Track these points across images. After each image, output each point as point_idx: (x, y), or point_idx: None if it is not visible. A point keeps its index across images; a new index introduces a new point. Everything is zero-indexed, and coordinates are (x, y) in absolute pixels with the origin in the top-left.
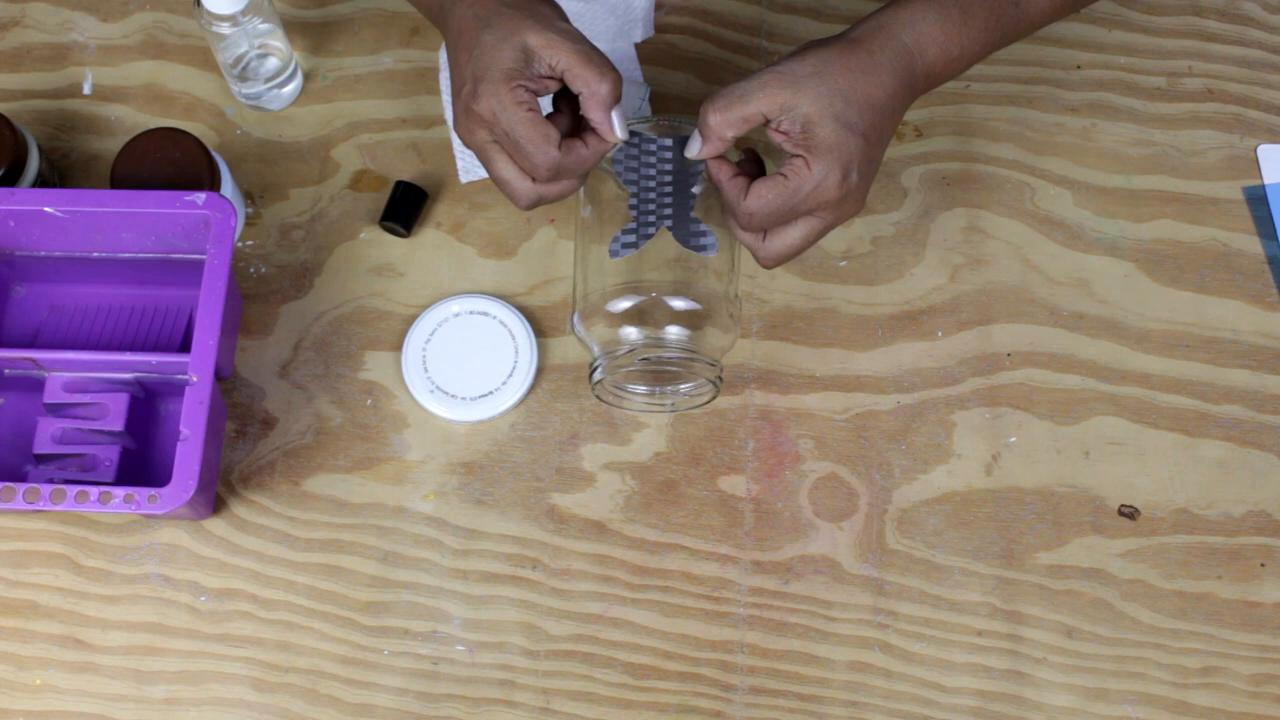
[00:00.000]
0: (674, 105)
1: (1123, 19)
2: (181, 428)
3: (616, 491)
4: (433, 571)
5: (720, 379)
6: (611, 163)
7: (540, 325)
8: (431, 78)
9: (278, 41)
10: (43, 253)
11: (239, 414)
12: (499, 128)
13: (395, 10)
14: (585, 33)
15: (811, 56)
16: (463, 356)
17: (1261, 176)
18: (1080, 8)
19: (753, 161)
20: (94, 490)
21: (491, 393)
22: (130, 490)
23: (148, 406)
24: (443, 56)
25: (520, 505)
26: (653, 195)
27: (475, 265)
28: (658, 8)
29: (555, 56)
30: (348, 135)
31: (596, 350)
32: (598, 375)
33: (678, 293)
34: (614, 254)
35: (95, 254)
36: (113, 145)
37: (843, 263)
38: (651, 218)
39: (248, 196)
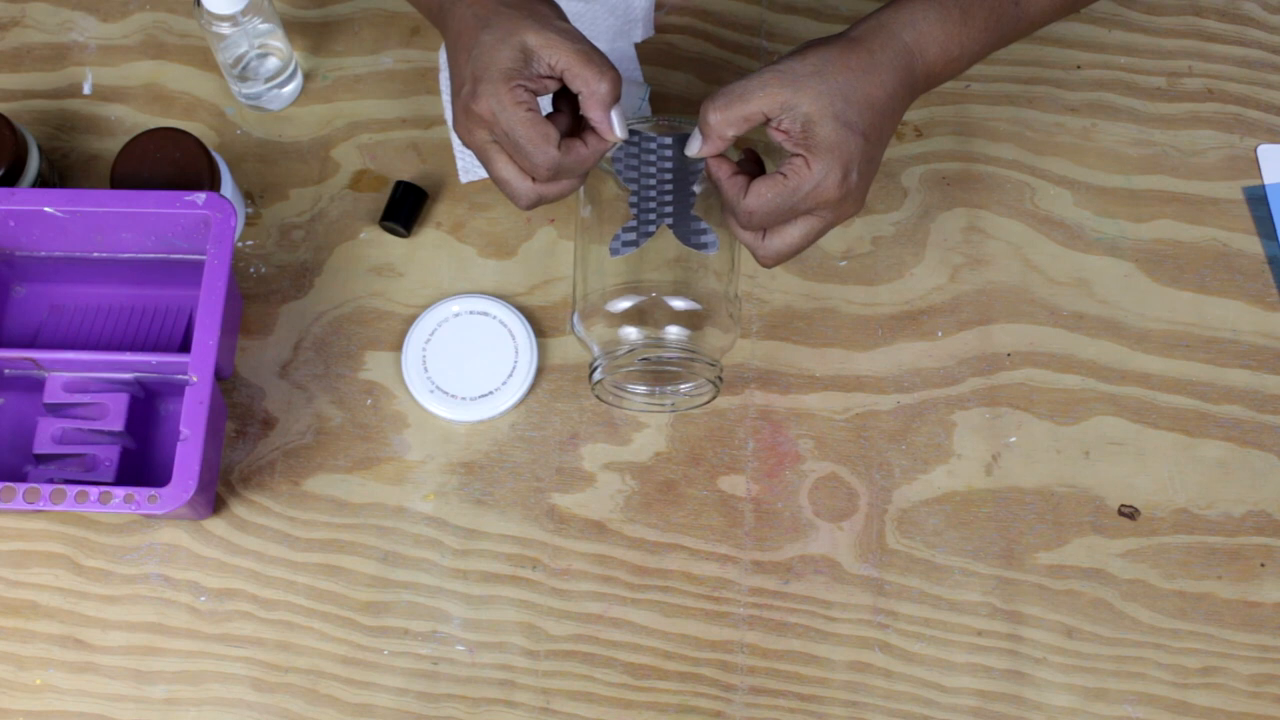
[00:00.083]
0: (674, 105)
1: (1123, 19)
2: (181, 428)
3: (616, 491)
4: (433, 571)
5: (720, 379)
6: (611, 162)
7: (540, 325)
8: (431, 78)
9: (278, 41)
10: (43, 253)
11: (239, 414)
12: (498, 128)
13: (395, 10)
14: (585, 33)
15: (812, 55)
16: (463, 356)
17: (1261, 176)
18: (1080, 8)
19: (752, 161)
20: (94, 490)
21: (491, 393)
22: (130, 490)
23: (148, 406)
24: (442, 56)
25: (520, 505)
26: (653, 194)
27: (475, 265)
28: (658, 8)
29: (554, 56)
30: (348, 135)
31: (596, 350)
32: (598, 375)
33: (678, 293)
34: (614, 252)
35: (95, 254)
36: (113, 145)
37: (843, 263)
38: (652, 216)
39: (248, 196)
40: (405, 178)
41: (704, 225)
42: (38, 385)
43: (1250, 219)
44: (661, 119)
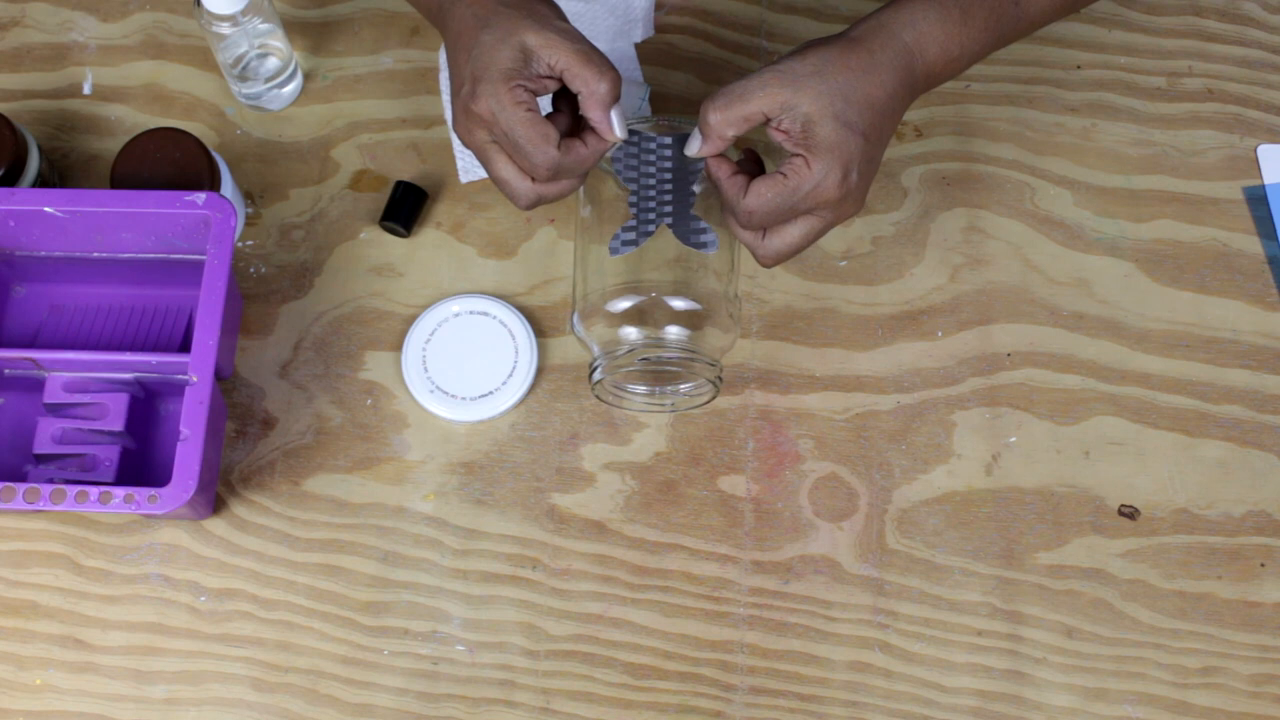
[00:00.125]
0: (674, 105)
1: (1123, 19)
2: (181, 428)
3: (616, 491)
4: (433, 571)
5: (720, 379)
6: (611, 162)
7: (540, 325)
8: (431, 78)
9: (278, 41)
10: (43, 253)
11: (239, 414)
12: (498, 128)
13: (395, 10)
14: (585, 33)
15: (812, 55)
16: (463, 356)
17: (1261, 176)
18: (1080, 8)
19: (752, 160)
20: (94, 490)
21: (491, 393)
22: (130, 490)
23: (148, 406)
24: (442, 56)
25: (520, 505)
26: (652, 194)
27: (475, 265)
28: (658, 8)
29: (554, 56)
30: (348, 135)
31: (596, 350)
32: (598, 375)
33: (677, 293)
34: (614, 251)
35: (95, 254)
36: (113, 145)
37: (843, 263)
38: (651, 215)
39: (248, 196)
40: (405, 178)
41: (703, 225)
42: (38, 385)
43: (1250, 219)
44: (661, 119)
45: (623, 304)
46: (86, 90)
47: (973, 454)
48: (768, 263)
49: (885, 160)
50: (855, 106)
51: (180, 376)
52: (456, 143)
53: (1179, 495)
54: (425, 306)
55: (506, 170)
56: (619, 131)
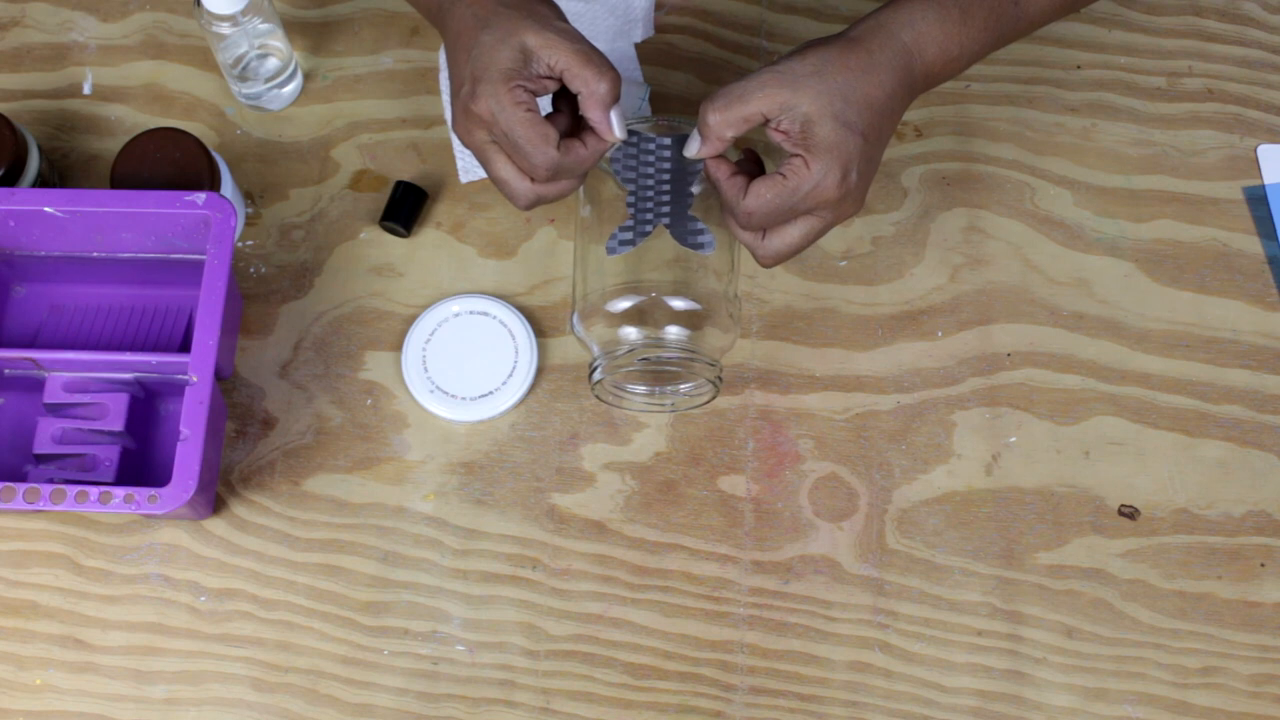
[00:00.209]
0: (674, 105)
1: (1123, 19)
2: (181, 428)
3: (616, 491)
4: (433, 571)
5: (720, 379)
6: (610, 162)
7: (540, 325)
8: (431, 78)
9: (278, 41)
10: (43, 253)
11: (239, 414)
12: (498, 128)
13: (395, 10)
14: (585, 33)
15: (811, 56)
16: (463, 356)
17: (1261, 176)
18: (1080, 7)
19: (752, 161)
20: (94, 490)
21: (491, 393)
22: (130, 490)
23: (148, 406)
24: (443, 56)
25: (520, 505)
26: (650, 194)
27: (475, 265)
28: (658, 8)
29: (554, 56)
30: (348, 135)
31: (596, 350)
32: (597, 375)
33: (677, 293)
34: (610, 251)
35: (95, 254)
36: (113, 145)
37: (843, 263)
38: (649, 216)
39: (248, 196)
40: (405, 178)
41: (701, 225)
42: (38, 385)
43: (1250, 219)
44: (661, 119)
45: (622, 304)
46: (86, 90)
47: (973, 454)
48: (768, 263)
49: (885, 160)
50: (854, 106)
51: (180, 376)
52: (456, 143)
53: (1179, 495)
54: (425, 306)
55: (506, 170)
56: (618, 132)
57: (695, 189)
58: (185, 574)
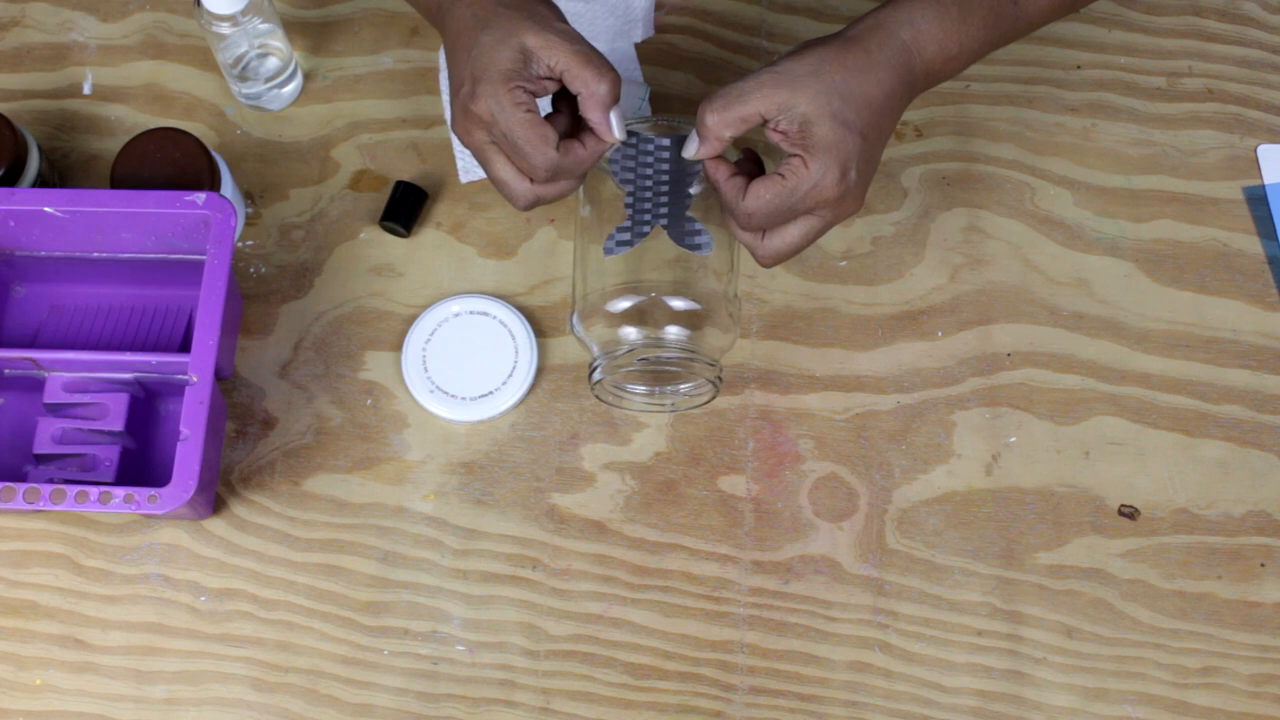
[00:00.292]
0: (674, 105)
1: (1123, 19)
2: (181, 428)
3: (616, 491)
4: (433, 571)
5: (720, 379)
6: (609, 162)
7: (540, 325)
8: (431, 78)
9: (278, 41)
10: (43, 253)
11: (239, 414)
12: (497, 129)
13: (395, 10)
14: (585, 33)
15: (809, 55)
16: (463, 356)
17: (1261, 176)
18: (1080, 7)
19: (751, 161)
20: (94, 490)
21: (491, 393)
22: (130, 490)
23: (148, 406)
24: (443, 56)
25: (520, 505)
26: (649, 194)
27: (475, 265)
28: (658, 8)
29: (554, 57)
30: (348, 135)
31: (596, 350)
32: (597, 375)
33: (677, 293)
34: (608, 252)
35: (95, 254)
36: (113, 145)
37: (843, 263)
38: (647, 216)
39: (248, 196)
40: (405, 178)
41: (699, 226)
42: (38, 385)
43: (1250, 219)
44: (661, 119)
45: (622, 304)
46: (86, 90)
47: (973, 454)
48: (767, 263)
49: (885, 160)
50: (852, 105)
51: (180, 376)
52: (456, 143)
53: (1179, 495)
54: (425, 306)
55: (505, 171)
56: (618, 133)
57: (694, 189)
58: (185, 574)
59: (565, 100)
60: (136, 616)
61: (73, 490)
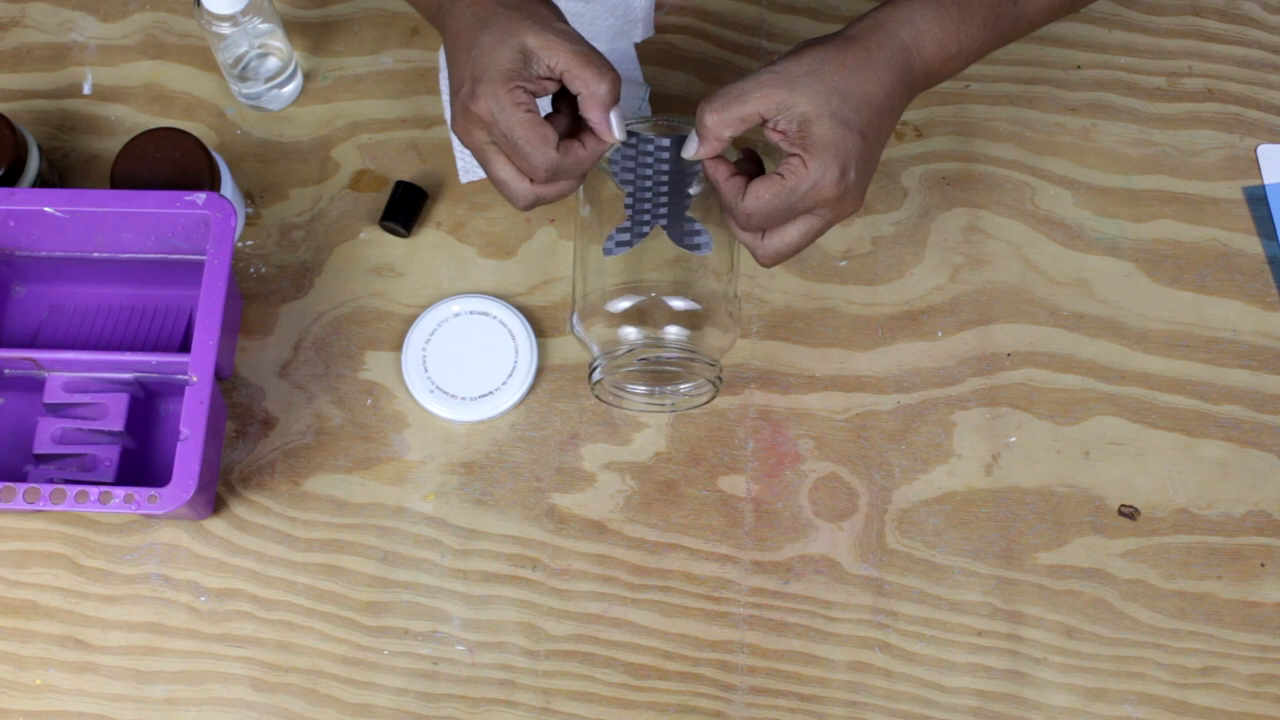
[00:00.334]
0: (674, 105)
1: (1123, 19)
2: (181, 428)
3: (616, 491)
4: (433, 571)
5: (720, 379)
6: (609, 163)
7: (540, 325)
8: (431, 78)
9: (278, 41)
10: (43, 253)
11: (239, 414)
12: (497, 129)
13: (395, 10)
14: (585, 33)
15: (807, 55)
16: (463, 356)
17: (1261, 176)
18: (1080, 7)
19: (751, 161)
20: (94, 490)
21: (491, 393)
22: (130, 490)
23: (148, 406)
24: (443, 57)
25: (520, 505)
26: (649, 195)
27: (475, 265)
28: (658, 8)
29: (554, 57)
30: (348, 135)
31: (596, 350)
32: (597, 375)
33: (677, 293)
34: (607, 252)
35: (95, 254)
36: (113, 145)
37: (843, 263)
38: (647, 217)
39: (248, 196)
40: (405, 178)
41: (698, 227)
42: (38, 385)
43: (1250, 219)
44: (660, 119)
45: (622, 304)
46: (86, 90)
47: (973, 454)
48: (767, 263)
49: (885, 160)
50: (851, 104)
51: (180, 376)
52: (456, 143)
53: (1179, 495)
54: (425, 306)
55: (505, 171)
56: (618, 133)
57: (694, 189)
58: (185, 574)
59: (565, 100)
60: (136, 616)
61: (73, 490)
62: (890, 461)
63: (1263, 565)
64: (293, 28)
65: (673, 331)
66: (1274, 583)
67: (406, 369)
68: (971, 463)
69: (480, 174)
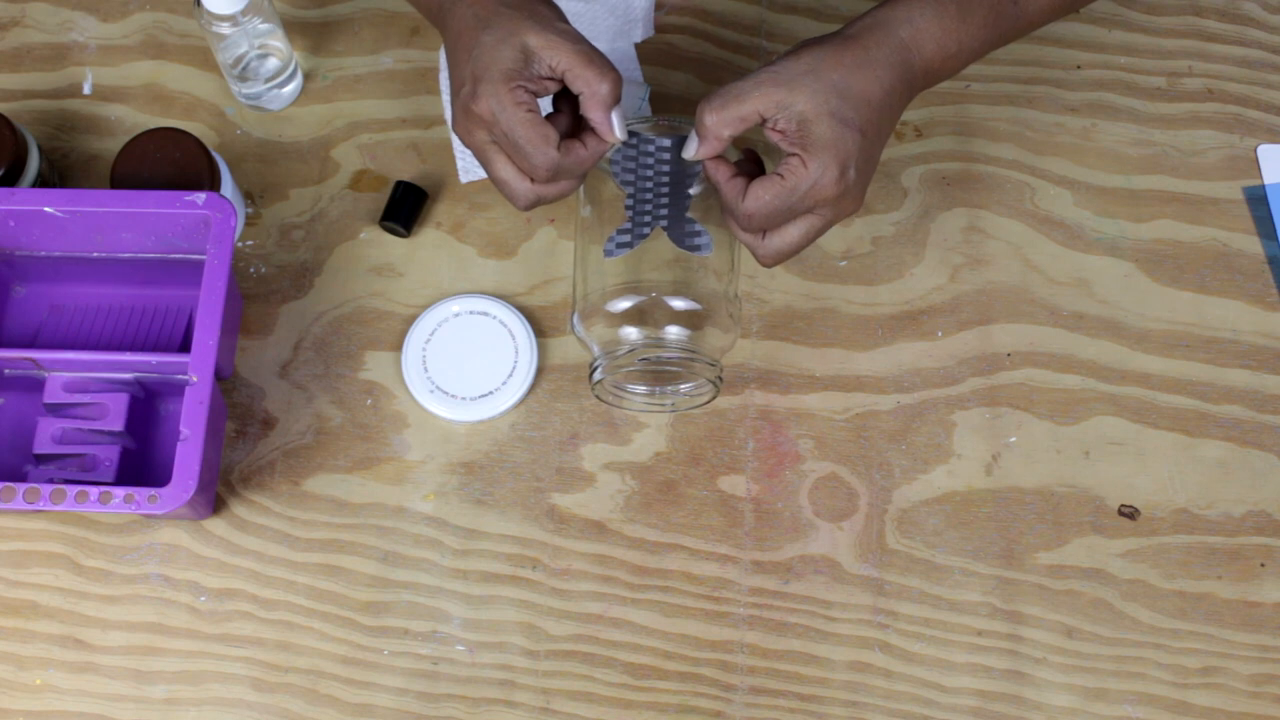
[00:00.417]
0: (674, 105)
1: (1123, 19)
2: (181, 428)
3: (616, 491)
4: (433, 571)
5: (720, 379)
6: (610, 163)
7: (540, 325)
8: (431, 78)
9: (278, 41)
10: (43, 253)
11: (239, 414)
12: (498, 128)
13: (395, 10)
14: (585, 33)
15: (806, 54)
16: (463, 356)
17: (1261, 176)
18: (1080, 7)
19: (752, 161)
20: (94, 490)
21: (491, 393)
22: (130, 490)
23: (148, 406)
24: (443, 57)
25: (520, 505)
26: (649, 195)
27: (475, 265)
28: (658, 8)
29: (556, 57)
30: (348, 135)
31: (596, 350)
32: (598, 375)
33: (678, 293)
34: (608, 253)
35: (95, 254)
36: (113, 145)
37: (843, 263)
38: (647, 218)
39: (248, 196)
40: (405, 178)
41: (699, 227)
42: (38, 385)
43: (1250, 219)
44: (661, 119)
45: (623, 304)
46: (86, 90)
47: (973, 454)
48: (769, 263)
49: (885, 160)
50: (851, 103)
51: (180, 376)
52: (456, 143)
53: (1179, 495)
54: (425, 306)
55: (506, 171)
56: (619, 133)
57: (694, 190)
58: (185, 574)
59: (566, 100)
60: (136, 616)
61: (73, 490)
62: (890, 461)
63: (1263, 565)
64: (293, 28)
65: (673, 331)
66: (1274, 583)
67: (406, 369)
68: (971, 463)
69: (480, 174)
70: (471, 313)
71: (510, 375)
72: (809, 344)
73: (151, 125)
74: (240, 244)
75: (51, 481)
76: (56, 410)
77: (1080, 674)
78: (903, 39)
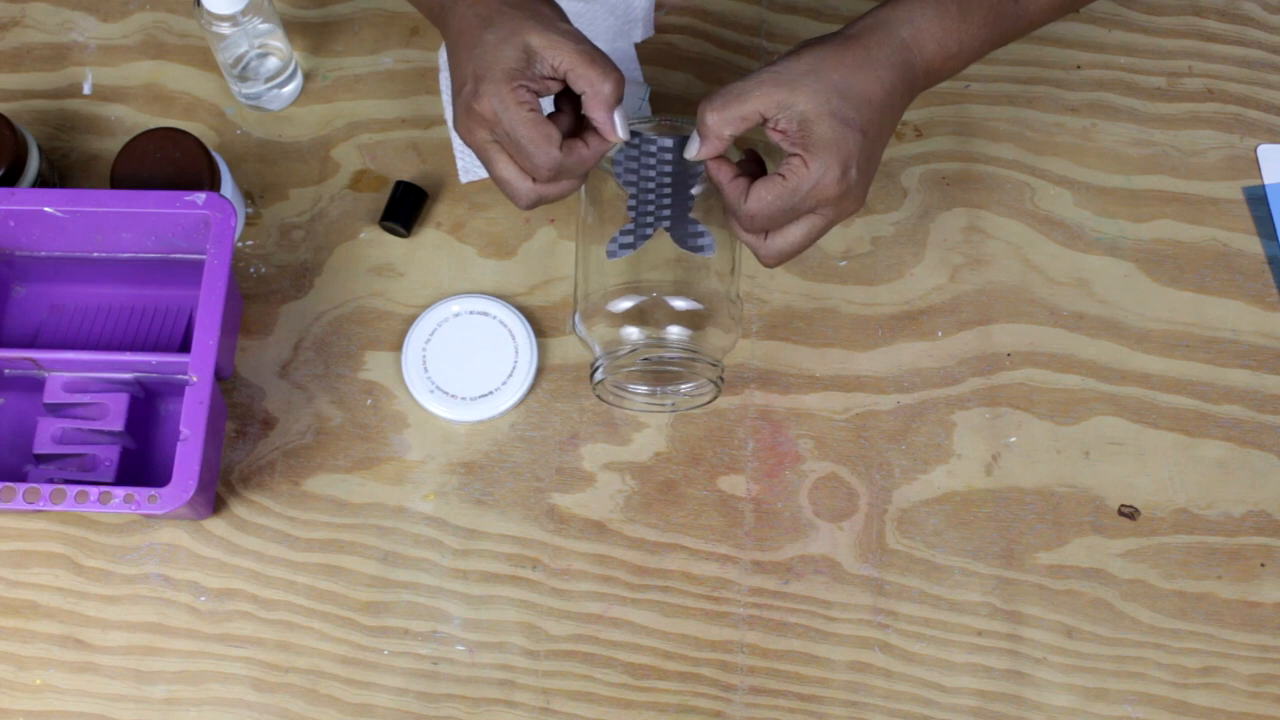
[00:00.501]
0: (674, 105)
1: (1123, 19)
2: (181, 428)
3: (616, 491)
4: (433, 571)
5: (721, 379)
6: (612, 163)
7: (540, 325)
8: (431, 78)
9: (278, 41)
10: (43, 253)
11: (239, 414)
12: (500, 127)
13: (395, 10)
14: (585, 33)
15: (807, 54)
16: (463, 356)
17: (1261, 176)
18: (1080, 7)
19: (754, 161)
20: (94, 490)
21: (491, 393)
22: (130, 490)
23: (148, 406)
24: (443, 56)
25: (520, 505)
26: (651, 196)
27: (475, 265)
28: (658, 8)
29: (558, 57)
30: (348, 135)
31: (598, 350)
32: (599, 375)
33: (679, 293)
34: (611, 254)
35: (95, 254)
36: (113, 145)
37: (843, 263)
38: (650, 218)
39: (248, 196)
40: (405, 178)
41: (701, 228)
42: (38, 385)
43: (1250, 219)
44: (663, 119)
45: (624, 304)
46: (86, 90)
47: (973, 454)
48: (771, 263)
49: (885, 160)
50: (852, 103)
51: (180, 376)
52: (457, 142)
53: (1179, 495)
54: (425, 306)
55: (507, 170)
56: (621, 133)
57: (696, 190)
58: (185, 574)
59: (568, 100)
60: (136, 616)
61: (73, 490)
62: (890, 461)
63: (1263, 565)
64: (293, 28)
65: (675, 331)
66: (1274, 583)
67: (406, 369)
68: (971, 463)
69: (480, 174)
70: (471, 313)
71: (510, 375)
72: (809, 344)
73: (151, 125)
74: (240, 244)
75: (51, 481)
76: (56, 410)
77: (1080, 674)
78: (904, 39)
